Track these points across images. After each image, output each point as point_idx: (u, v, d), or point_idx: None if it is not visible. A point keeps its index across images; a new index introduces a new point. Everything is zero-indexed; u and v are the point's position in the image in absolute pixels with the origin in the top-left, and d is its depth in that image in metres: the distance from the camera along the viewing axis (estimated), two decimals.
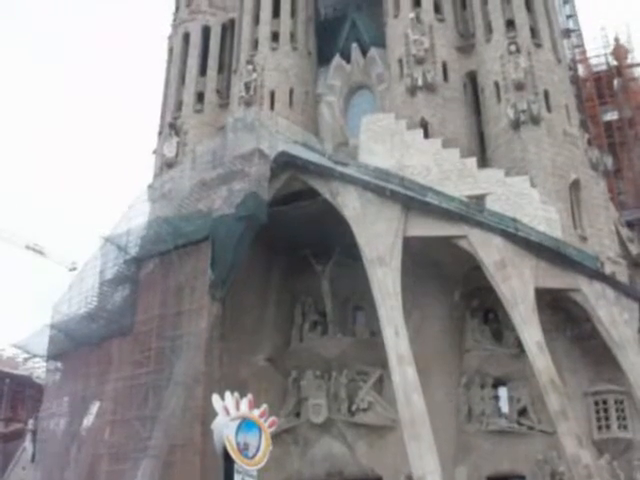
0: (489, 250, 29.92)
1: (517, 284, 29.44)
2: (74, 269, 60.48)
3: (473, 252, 30.03)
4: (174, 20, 47.80)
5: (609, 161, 40.94)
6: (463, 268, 31.59)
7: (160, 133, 43.62)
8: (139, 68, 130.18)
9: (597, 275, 31.04)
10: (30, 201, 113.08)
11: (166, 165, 40.56)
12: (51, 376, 36.13)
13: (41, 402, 38.55)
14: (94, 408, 32.80)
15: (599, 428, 30.05)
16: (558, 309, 31.15)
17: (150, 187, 38.01)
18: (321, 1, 48.13)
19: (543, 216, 32.27)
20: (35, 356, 42.44)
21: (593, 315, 30.23)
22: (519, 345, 29.85)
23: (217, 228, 30.25)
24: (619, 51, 55.47)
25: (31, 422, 48.76)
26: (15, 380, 59.97)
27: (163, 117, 44.20)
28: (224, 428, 16.12)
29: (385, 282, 29.55)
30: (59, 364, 35.35)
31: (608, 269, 32.94)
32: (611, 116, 53.43)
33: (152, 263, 32.19)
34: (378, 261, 29.88)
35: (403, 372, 28.40)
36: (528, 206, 32.44)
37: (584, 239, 33.90)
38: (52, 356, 35.21)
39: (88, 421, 33.06)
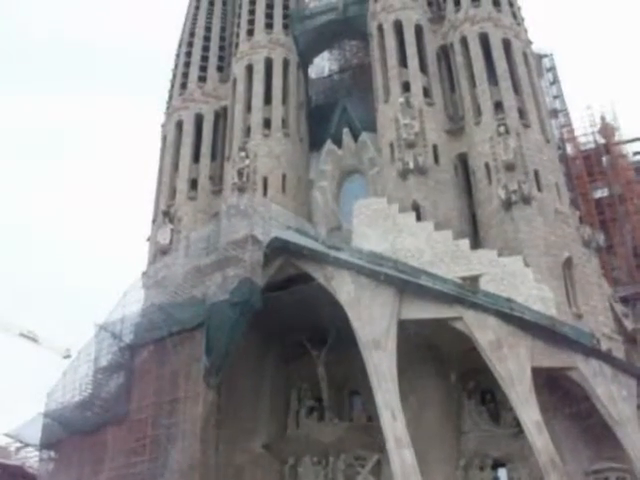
0: (484, 331, 29.82)
1: (513, 364, 29.25)
2: (68, 356, 60.27)
3: (468, 333, 29.93)
4: (167, 108, 48.56)
5: (601, 238, 41.32)
6: (459, 349, 31.45)
7: (154, 221, 43.88)
8: (132, 156, 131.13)
9: (593, 352, 30.94)
10: (24, 288, 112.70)
11: (160, 252, 40.70)
12: (44, 466, 35.59)
13: None
14: None
15: None
16: (556, 388, 30.88)
17: (144, 274, 38.12)
18: (312, 87, 49.22)
19: (537, 295, 32.32)
20: (28, 445, 41.77)
21: (591, 393, 30.02)
22: (517, 425, 29.49)
23: (211, 315, 30.20)
24: (606, 129, 56.28)
25: None
26: (7, 470, 58.85)
27: (157, 204, 44.52)
28: None
29: (381, 366, 29.37)
30: (52, 453, 34.87)
31: (604, 346, 32.88)
32: (601, 193, 53.98)
33: (147, 350, 32.09)
34: (374, 345, 29.74)
35: (401, 456, 28.00)
36: (522, 285, 32.53)
37: (579, 316, 33.95)
38: (45, 445, 34.76)
39: None
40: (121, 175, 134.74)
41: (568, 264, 35.13)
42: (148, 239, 43.47)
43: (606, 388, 30.19)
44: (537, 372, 29.48)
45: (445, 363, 32.37)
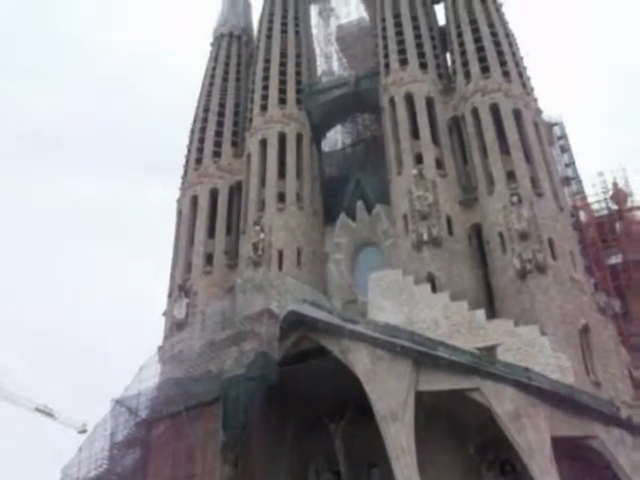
0: (502, 401, 29.59)
1: (533, 434, 28.96)
2: (84, 431, 60.03)
3: (486, 404, 29.71)
4: (182, 184, 49.14)
5: (617, 304, 41.17)
6: (477, 420, 31.19)
7: (170, 295, 44.07)
8: (145, 231, 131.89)
9: (614, 420, 30.70)
10: (39, 362, 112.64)
11: (176, 326, 40.82)
12: None
13: None
14: None
15: None
16: (577, 457, 30.47)
17: (160, 349, 38.29)
18: (325, 161, 49.67)
19: (555, 364, 32.14)
20: None
21: (613, 462, 29.71)
22: None
23: (228, 389, 30.19)
24: (619, 195, 56.27)
25: None
26: None
27: (173, 279, 44.78)
28: None
29: (399, 438, 29.15)
30: None
31: (624, 413, 32.48)
32: (615, 259, 53.68)
33: (163, 425, 32.01)
34: (391, 417, 29.57)
35: None
36: (539, 354, 32.38)
37: (597, 384, 33.76)
38: None
39: None
40: (137, 250, 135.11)
41: (585, 332, 35.05)
42: (164, 314, 43.56)
43: (628, 457, 29.91)
44: (557, 441, 29.16)
45: (464, 434, 32.00)
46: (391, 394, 30.05)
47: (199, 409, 30.54)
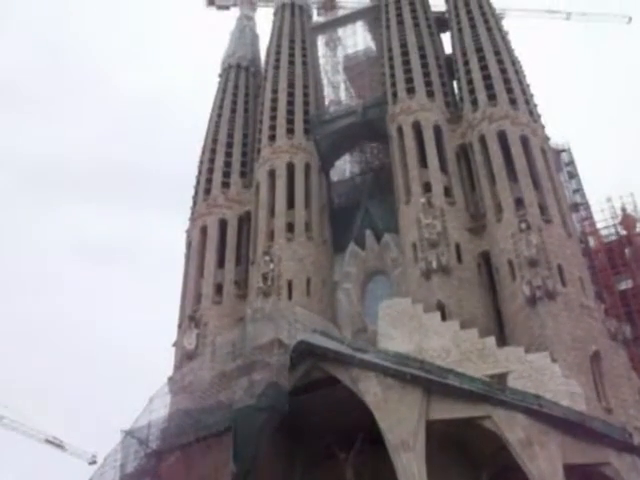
0: (514, 429, 29.38)
1: (545, 462, 28.70)
2: (94, 462, 59.86)
3: (498, 432, 29.51)
4: (192, 214, 49.32)
5: (628, 330, 40.90)
6: (489, 448, 31.00)
7: (180, 326, 44.14)
8: (154, 261, 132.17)
9: (626, 447, 30.49)
10: (49, 394, 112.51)
11: (186, 357, 40.90)
12: None
13: None
14: None
15: None
16: None
17: (171, 379, 38.18)
18: (334, 190, 49.88)
19: (566, 390, 32.02)
20: None
21: None
22: None
23: (238, 419, 30.00)
24: (627, 221, 56.25)
25: None
26: None
27: (182, 309, 44.91)
28: None
29: (410, 468, 28.89)
30: None
31: (637, 439, 32.26)
32: (626, 285, 53.57)
33: (173, 456, 31.83)
34: (402, 446, 29.35)
35: None
36: (550, 381, 32.26)
37: (609, 410, 33.62)
38: None
39: None
40: (146, 281, 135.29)
41: (596, 358, 34.93)
42: (174, 344, 43.61)
43: None
44: (569, 469, 28.94)
45: (475, 462, 31.79)
46: (402, 423, 29.88)
47: (210, 440, 30.36)
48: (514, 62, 46.37)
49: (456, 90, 48.05)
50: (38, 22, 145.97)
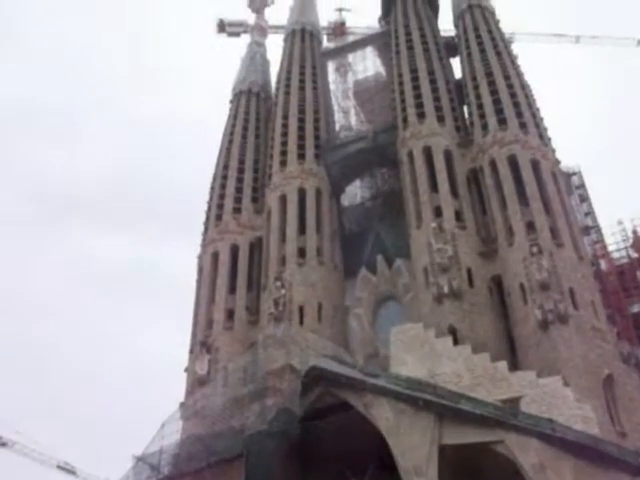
0: (527, 453, 29.17)
1: None
2: None
3: (511, 456, 29.30)
4: (203, 240, 49.44)
5: None
6: (502, 473, 30.66)
7: (191, 351, 44.16)
8: (167, 288, 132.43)
9: None
10: (60, 419, 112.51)
11: (198, 382, 40.88)
12: None
13: None
14: None
15: None
16: None
17: (182, 405, 38.23)
18: (345, 215, 49.95)
19: (579, 415, 31.78)
20: None
21: None
22: None
23: (250, 445, 30.03)
24: (639, 243, 56.12)
25: None
26: None
27: (194, 335, 44.93)
28: None
29: None
30: None
31: None
32: (638, 307, 53.33)
33: None
34: (415, 472, 29.26)
35: None
36: (563, 406, 32.04)
37: (623, 435, 33.41)
38: None
39: None
40: (157, 306, 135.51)
41: (609, 382, 34.80)
42: (186, 370, 43.62)
43: None
44: None
45: None
46: (414, 448, 29.77)
47: (222, 465, 30.39)
48: (524, 86, 46.51)
49: (466, 114, 48.18)
50: (52, 48, 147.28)
